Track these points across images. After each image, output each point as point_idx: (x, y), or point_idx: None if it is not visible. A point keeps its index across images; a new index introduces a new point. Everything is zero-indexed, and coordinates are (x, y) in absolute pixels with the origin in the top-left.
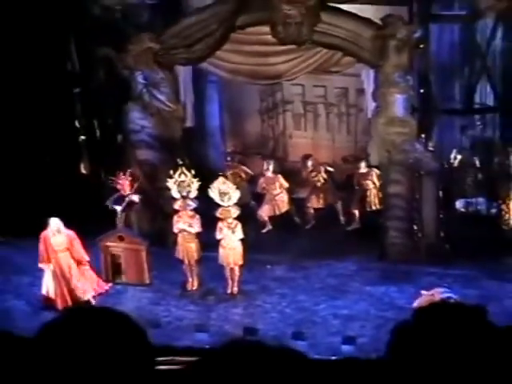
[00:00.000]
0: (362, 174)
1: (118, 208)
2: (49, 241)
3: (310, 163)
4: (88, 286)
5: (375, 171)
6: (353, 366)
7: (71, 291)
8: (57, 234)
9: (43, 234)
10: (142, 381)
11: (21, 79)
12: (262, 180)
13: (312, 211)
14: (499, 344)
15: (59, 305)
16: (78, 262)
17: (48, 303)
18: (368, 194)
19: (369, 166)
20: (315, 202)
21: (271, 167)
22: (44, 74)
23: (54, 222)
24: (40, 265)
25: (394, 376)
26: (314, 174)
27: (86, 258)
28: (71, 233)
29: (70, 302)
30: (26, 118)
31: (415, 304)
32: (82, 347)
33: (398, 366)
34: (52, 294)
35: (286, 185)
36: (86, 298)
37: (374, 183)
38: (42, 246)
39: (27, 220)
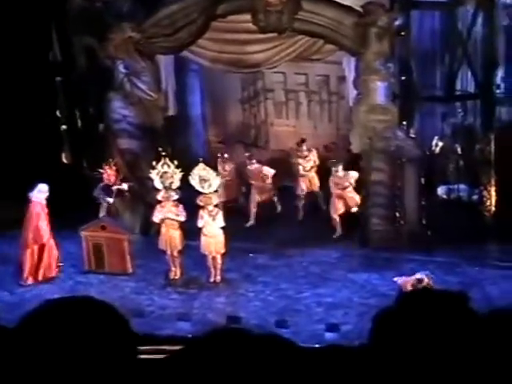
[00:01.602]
0: (339, 177)
1: (110, 200)
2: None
3: (304, 147)
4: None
5: (353, 175)
6: (337, 353)
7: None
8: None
9: (41, 209)
10: (125, 370)
11: (1, 69)
12: (247, 171)
13: (302, 200)
14: (480, 331)
15: (31, 279)
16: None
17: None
18: (345, 197)
19: (346, 169)
20: (306, 187)
21: (254, 159)
22: (25, 63)
23: (46, 188)
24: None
25: (377, 363)
26: (308, 158)
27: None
28: None
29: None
30: (7, 107)
31: (399, 281)
32: (63, 337)
33: (380, 353)
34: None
35: (271, 173)
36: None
37: (351, 185)
38: (44, 223)
39: (10, 210)
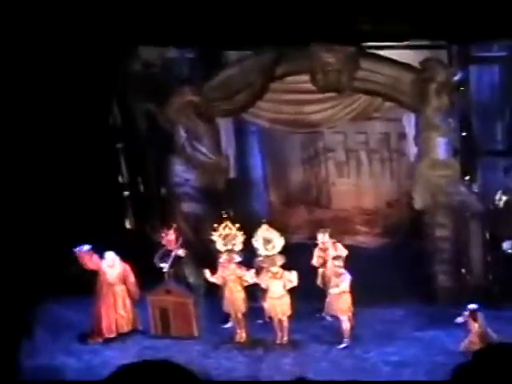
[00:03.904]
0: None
1: (165, 265)
2: (104, 274)
3: (322, 237)
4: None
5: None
6: None
7: (118, 322)
8: (112, 267)
9: (110, 276)
10: None
11: (65, 136)
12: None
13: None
14: None
15: (105, 333)
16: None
17: (93, 335)
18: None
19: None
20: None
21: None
22: (87, 130)
23: (110, 256)
24: None
25: None
26: (321, 252)
27: (137, 296)
28: (126, 266)
29: (115, 332)
30: (70, 175)
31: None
32: None
33: None
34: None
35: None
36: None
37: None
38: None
39: (76, 277)
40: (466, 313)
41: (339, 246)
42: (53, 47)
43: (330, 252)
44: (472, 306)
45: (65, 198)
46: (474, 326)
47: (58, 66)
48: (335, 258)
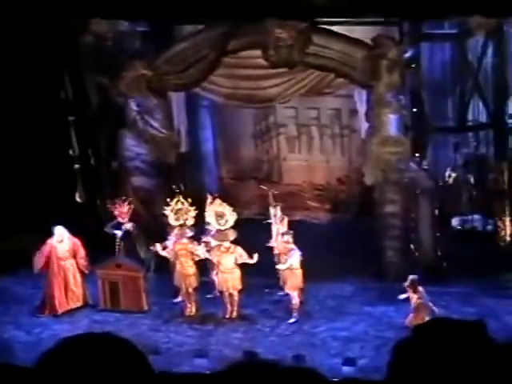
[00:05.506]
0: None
1: (118, 233)
2: (54, 249)
3: (274, 211)
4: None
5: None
6: None
7: (68, 296)
8: (61, 242)
9: (58, 250)
10: None
11: (15, 108)
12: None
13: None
14: (498, 359)
15: (58, 309)
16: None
17: (44, 310)
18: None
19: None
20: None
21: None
22: (38, 103)
23: (59, 231)
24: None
25: None
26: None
27: (87, 270)
28: (76, 241)
29: (66, 307)
30: (20, 147)
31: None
32: (82, 374)
33: None
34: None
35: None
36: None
37: None
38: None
39: (23, 247)
40: (407, 283)
41: (285, 222)
42: (3, 20)
43: (279, 228)
44: (412, 277)
45: (14, 170)
46: (414, 297)
47: (9, 39)
48: (284, 233)
